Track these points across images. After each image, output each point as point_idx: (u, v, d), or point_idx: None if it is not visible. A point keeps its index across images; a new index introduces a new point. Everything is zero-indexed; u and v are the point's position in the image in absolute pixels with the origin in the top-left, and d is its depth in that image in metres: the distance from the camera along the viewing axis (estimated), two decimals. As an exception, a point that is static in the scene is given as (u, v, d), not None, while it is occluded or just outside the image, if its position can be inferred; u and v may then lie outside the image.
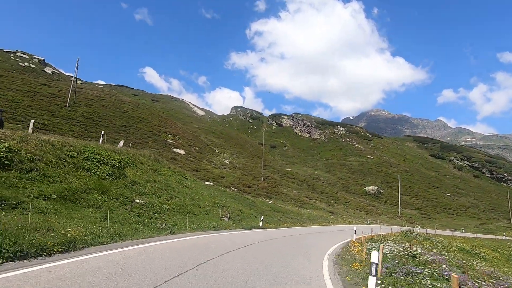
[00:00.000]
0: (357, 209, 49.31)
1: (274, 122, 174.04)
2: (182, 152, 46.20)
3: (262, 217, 19.44)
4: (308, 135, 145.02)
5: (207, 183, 29.12)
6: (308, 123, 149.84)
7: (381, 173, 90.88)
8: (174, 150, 45.60)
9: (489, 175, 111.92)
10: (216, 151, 67.08)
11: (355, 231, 16.53)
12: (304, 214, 28.66)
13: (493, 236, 37.92)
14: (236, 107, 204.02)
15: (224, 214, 18.03)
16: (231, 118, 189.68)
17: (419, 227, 39.61)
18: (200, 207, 16.46)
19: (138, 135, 45.18)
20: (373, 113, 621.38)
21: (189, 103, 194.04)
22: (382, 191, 73.81)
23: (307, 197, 45.41)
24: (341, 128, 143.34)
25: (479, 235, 37.41)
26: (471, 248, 22.33)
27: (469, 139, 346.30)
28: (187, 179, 21.42)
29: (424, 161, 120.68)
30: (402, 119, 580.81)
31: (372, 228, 21.94)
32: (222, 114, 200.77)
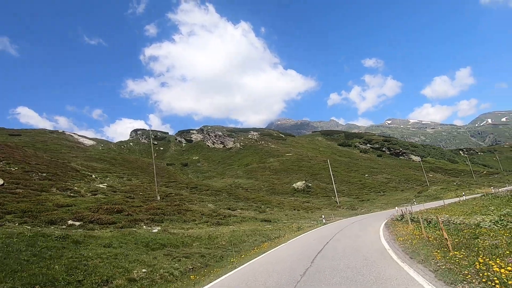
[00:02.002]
0: (294, 209, 38.66)
1: (183, 140, 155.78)
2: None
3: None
4: (222, 145, 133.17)
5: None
6: (220, 133, 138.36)
7: (304, 167, 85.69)
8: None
9: (388, 152, 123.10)
10: (93, 176, 46.78)
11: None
12: (223, 237, 15.14)
13: (456, 199, 32.83)
14: (135, 130, 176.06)
15: None
16: (131, 143, 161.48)
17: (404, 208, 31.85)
18: None
19: None
20: (279, 122, 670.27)
21: (72, 134, 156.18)
22: (310, 184, 66.82)
23: (229, 208, 31.82)
24: (255, 133, 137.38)
25: (435, 202, 32.45)
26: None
27: (357, 132, 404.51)
28: None
29: (336, 151, 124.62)
30: (304, 123, 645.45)
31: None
32: (119, 141, 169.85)
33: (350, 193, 63.55)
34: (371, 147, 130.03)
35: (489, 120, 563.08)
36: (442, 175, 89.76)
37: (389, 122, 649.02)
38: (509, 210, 22.36)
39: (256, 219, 24.92)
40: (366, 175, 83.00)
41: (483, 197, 27.51)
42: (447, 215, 16.69)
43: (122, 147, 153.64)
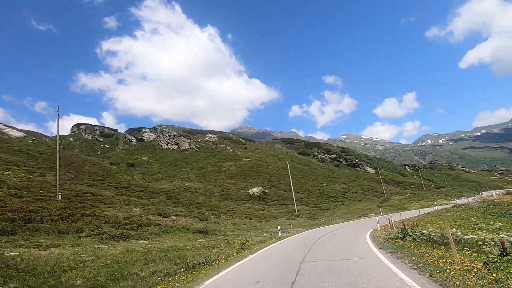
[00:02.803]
0: (246, 217, 32.46)
1: (133, 138, 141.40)
2: None
3: None
4: (176, 146, 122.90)
5: None
6: (175, 133, 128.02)
7: (262, 173, 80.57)
8: None
9: (345, 163, 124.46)
10: (-12, 169, 35.54)
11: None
12: (92, 266, 7.92)
13: (425, 209, 29.65)
14: (78, 125, 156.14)
15: None
16: (71, 139, 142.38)
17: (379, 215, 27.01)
18: None
19: None
20: (241, 130, 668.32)
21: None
22: (267, 191, 61.56)
23: (161, 214, 24.52)
24: (213, 136, 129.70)
25: (405, 213, 29.09)
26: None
27: (316, 142, 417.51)
28: None
29: (295, 158, 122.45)
30: (266, 133, 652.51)
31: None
32: (55, 135, 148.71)
33: (308, 202, 59.59)
34: (329, 157, 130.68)
35: (429, 141, 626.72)
36: (394, 187, 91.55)
37: (344, 137, 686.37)
38: (500, 224, 19.22)
39: (188, 229, 18.14)
40: (325, 184, 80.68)
41: (455, 208, 24.31)
42: (453, 229, 11.95)
43: (62, 141, 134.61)
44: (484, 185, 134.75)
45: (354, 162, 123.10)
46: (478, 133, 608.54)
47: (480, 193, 70.44)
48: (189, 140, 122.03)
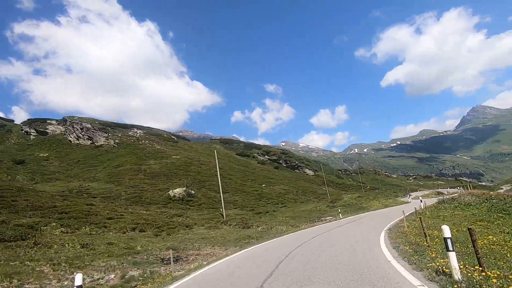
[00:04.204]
0: (134, 229, 20.20)
1: (33, 131, 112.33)
2: None
3: None
4: (90, 141, 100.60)
5: None
6: (89, 126, 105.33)
7: (192, 172, 68.05)
8: None
9: (285, 165, 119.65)
10: None
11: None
12: None
13: (403, 207, 21.85)
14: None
15: None
16: None
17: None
18: None
19: None
20: (181, 133, 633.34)
21: None
22: (193, 192, 49.56)
23: None
24: (138, 131, 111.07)
25: (375, 213, 21.22)
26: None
27: (257, 143, 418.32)
28: None
29: (233, 159, 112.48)
30: (206, 137, 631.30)
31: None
32: None
33: (244, 205, 49.58)
34: (268, 158, 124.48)
35: (356, 150, 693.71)
36: (334, 189, 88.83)
37: (283, 144, 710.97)
38: None
39: None
40: (264, 185, 72.24)
41: (445, 205, 16.83)
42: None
43: None
44: (404, 187, 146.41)
45: (294, 164, 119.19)
46: (394, 144, 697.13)
47: (409, 194, 71.70)
48: (106, 135, 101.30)
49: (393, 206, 30.54)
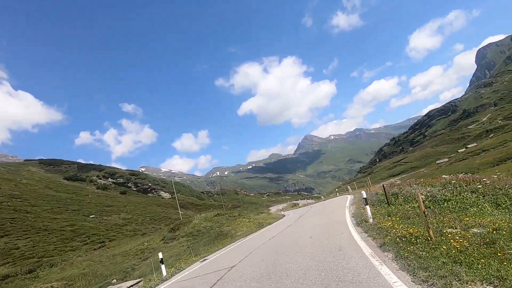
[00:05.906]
0: None
1: None
2: None
3: None
4: None
5: None
6: None
7: None
8: None
9: (135, 189, 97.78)
10: None
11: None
12: None
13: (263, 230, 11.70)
14: None
15: None
16: None
17: None
18: None
19: None
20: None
21: None
22: None
23: None
24: None
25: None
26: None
27: (99, 164, 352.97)
28: None
29: (55, 185, 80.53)
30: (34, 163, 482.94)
31: None
32: None
33: (34, 251, 29.07)
34: (113, 182, 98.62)
35: (218, 173, 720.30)
36: (193, 212, 76.82)
37: (143, 169, 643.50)
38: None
39: None
40: (92, 216, 51.03)
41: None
42: None
43: None
44: (261, 204, 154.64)
45: (147, 187, 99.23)
46: (250, 167, 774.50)
47: (271, 206, 70.94)
48: None
49: (280, 219, 21.41)
